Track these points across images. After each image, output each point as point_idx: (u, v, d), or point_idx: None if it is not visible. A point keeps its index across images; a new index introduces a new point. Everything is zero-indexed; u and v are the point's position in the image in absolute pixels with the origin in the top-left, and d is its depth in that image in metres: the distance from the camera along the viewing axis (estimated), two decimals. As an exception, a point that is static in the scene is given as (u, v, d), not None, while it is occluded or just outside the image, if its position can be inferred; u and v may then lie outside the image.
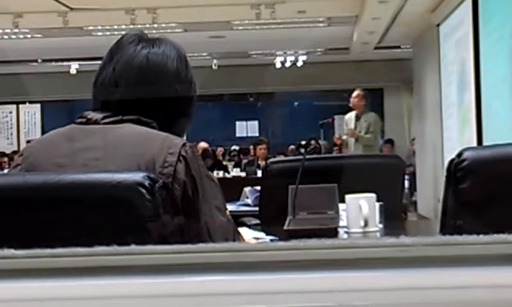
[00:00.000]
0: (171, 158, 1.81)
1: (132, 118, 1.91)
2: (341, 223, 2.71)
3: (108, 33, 10.39)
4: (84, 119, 1.94)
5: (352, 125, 9.92)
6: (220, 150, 15.07)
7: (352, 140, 9.90)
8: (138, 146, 1.85)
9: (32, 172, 1.89)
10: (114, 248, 0.94)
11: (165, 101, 2.00)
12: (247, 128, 17.50)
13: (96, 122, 1.92)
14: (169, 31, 10.98)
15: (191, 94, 2.06)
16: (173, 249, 0.95)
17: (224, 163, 13.46)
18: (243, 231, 2.66)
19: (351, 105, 10.11)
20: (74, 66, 14.28)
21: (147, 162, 1.80)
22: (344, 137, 10.19)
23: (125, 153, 1.84)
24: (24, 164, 1.95)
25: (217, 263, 0.93)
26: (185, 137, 1.99)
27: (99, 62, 2.04)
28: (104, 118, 1.92)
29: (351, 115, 10.04)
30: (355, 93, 10.06)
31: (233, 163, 13.78)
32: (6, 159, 13.28)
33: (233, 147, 15.55)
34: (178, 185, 1.80)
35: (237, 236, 2.01)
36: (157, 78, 1.99)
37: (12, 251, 0.96)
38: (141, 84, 1.98)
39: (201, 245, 0.94)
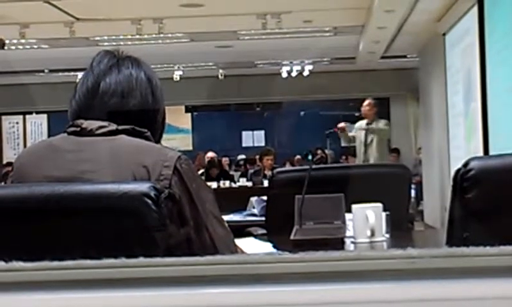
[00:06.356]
0: (166, 171, 1.81)
1: (126, 128, 1.90)
2: (348, 233, 2.70)
3: (114, 43, 10.39)
4: (78, 129, 1.92)
5: (362, 134, 9.93)
6: (225, 160, 15.07)
7: (361, 149, 9.88)
8: (133, 159, 1.84)
9: (23, 183, 1.87)
10: (123, 260, 0.95)
11: (138, 113, 1.98)
12: (253, 138, 17.50)
13: (91, 132, 1.90)
14: (175, 41, 11.00)
15: (162, 107, 2.06)
16: (181, 262, 0.95)
17: (230, 173, 13.45)
18: (249, 241, 2.66)
19: (362, 114, 10.12)
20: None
21: (142, 175, 1.80)
22: (353, 131, 10.14)
23: (120, 166, 1.83)
24: (14, 176, 1.94)
25: (225, 275, 0.93)
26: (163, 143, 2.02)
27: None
28: (99, 128, 1.90)
29: (362, 123, 10.04)
30: (366, 102, 10.06)
31: (239, 173, 13.77)
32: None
33: (240, 157, 15.54)
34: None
35: (236, 248, 2.01)
36: (136, 94, 1.99)
37: (20, 264, 0.96)
38: (122, 98, 1.98)
39: (209, 258, 0.94)
